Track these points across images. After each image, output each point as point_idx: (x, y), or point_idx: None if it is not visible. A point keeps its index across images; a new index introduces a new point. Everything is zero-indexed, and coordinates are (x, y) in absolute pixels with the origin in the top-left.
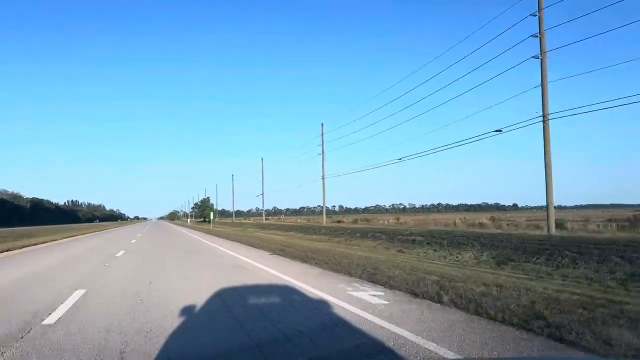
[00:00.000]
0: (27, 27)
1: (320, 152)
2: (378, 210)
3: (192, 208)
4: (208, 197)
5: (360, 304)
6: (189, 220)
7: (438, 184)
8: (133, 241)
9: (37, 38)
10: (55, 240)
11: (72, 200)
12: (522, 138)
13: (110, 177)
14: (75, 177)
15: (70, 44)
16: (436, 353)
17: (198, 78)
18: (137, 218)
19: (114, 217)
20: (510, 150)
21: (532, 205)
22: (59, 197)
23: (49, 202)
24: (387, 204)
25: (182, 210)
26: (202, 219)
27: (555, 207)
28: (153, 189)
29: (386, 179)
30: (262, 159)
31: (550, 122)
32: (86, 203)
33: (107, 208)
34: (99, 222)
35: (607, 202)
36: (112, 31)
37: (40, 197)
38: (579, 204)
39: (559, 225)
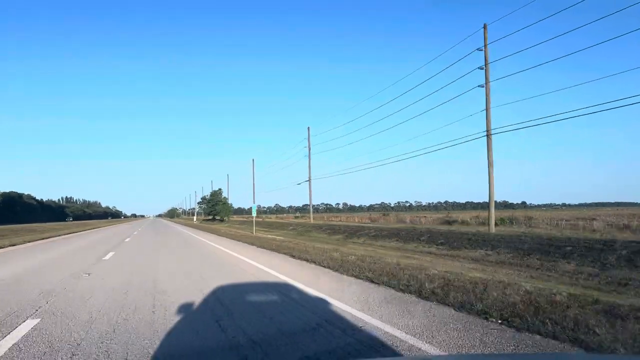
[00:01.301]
0: (17, 20)
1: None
2: (384, 208)
3: (198, 203)
4: (220, 189)
5: None
6: (195, 218)
7: (443, 181)
8: None
9: (32, 34)
10: None
11: (66, 197)
12: (528, 137)
13: (108, 175)
14: (73, 175)
15: (67, 40)
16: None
17: (198, 73)
18: (134, 215)
19: (106, 215)
20: (515, 149)
21: (538, 203)
22: (54, 194)
23: (30, 197)
24: (392, 202)
25: (181, 208)
26: (211, 217)
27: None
28: (151, 186)
29: (391, 176)
30: (308, 128)
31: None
32: (81, 200)
33: (103, 205)
34: (73, 220)
35: (612, 201)
36: (108, 25)
37: (29, 193)
38: (583, 202)
39: None
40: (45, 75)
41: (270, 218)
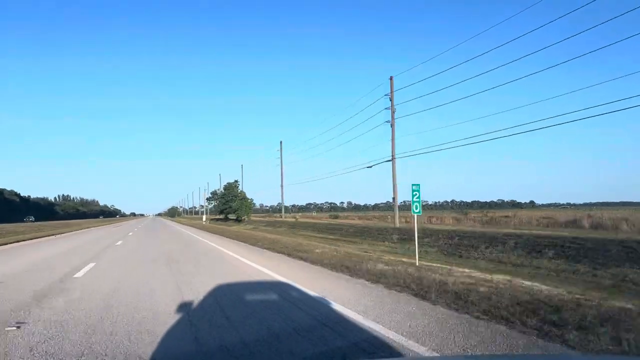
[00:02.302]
0: (14, 19)
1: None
2: (389, 207)
3: (207, 199)
4: (236, 181)
5: None
6: (204, 217)
7: (447, 180)
8: None
9: (28, 32)
10: None
11: (62, 195)
12: (535, 136)
13: (108, 174)
14: (73, 174)
15: (67, 39)
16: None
17: (196, 70)
18: (133, 214)
19: (98, 214)
20: (520, 148)
21: (545, 203)
22: (53, 192)
23: (12, 193)
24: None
25: (181, 206)
26: (223, 216)
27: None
28: (150, 185)
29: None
30: (391, 78)
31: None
32: (78, 198)
33: (102, 204)
34: (34, 220)
35: (617, 200)
36: (108, 24)
37: (12, 189)
38: (587, 201)
39: None
40: (44, 74)
41: (296, 218)
